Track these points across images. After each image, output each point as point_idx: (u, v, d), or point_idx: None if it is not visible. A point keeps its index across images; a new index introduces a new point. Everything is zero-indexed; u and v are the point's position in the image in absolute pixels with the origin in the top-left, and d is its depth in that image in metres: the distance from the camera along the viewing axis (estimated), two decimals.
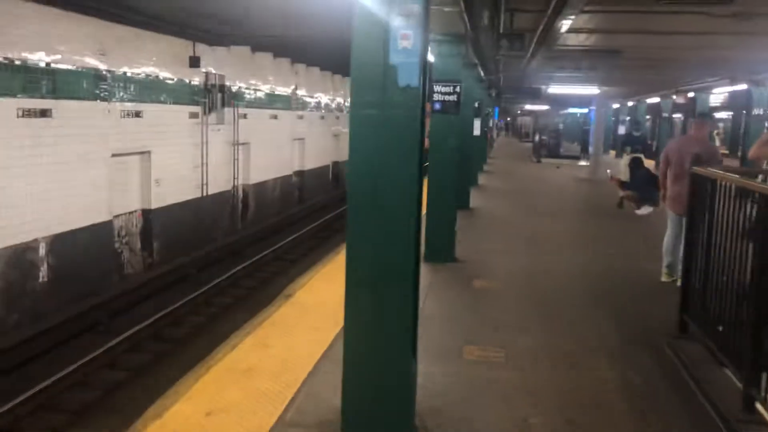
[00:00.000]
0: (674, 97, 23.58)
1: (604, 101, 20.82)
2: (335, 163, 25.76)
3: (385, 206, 3.62)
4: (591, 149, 20.57)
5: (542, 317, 6.37)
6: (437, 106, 8.55)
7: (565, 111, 42.65)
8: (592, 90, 22.64)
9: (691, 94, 22.56)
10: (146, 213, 12.59)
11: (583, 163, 27.13)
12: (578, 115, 43.17)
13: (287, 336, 5.59)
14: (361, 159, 3.65)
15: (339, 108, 25.83)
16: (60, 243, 10.04)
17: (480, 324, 6.07)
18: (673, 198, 7.62)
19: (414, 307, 3.75)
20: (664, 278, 7.78)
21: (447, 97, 8.56)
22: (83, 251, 10.52)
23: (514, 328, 5.93)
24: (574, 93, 25.74)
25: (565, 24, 8.25)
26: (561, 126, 40.68)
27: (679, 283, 7.51)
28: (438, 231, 8.70)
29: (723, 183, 4.71)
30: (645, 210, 13.00)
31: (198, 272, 12.91)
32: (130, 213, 12.24)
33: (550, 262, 8.83)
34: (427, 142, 4.75)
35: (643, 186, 12.85)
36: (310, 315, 6.32)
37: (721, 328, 4.59)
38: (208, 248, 14.34)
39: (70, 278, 10.25)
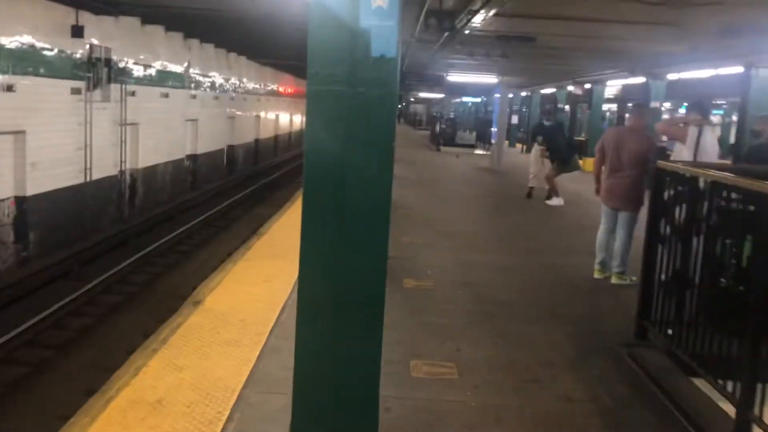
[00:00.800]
0: (570, 87, 23.96)
1: (506, 90, 20.75)
2: (230, 147, 24.47)
3: (353, 208, 2.90)
4: (494, 139, 20.47)
5: (485, 323, 5.83)
6: None
7: (458, 100, 43.04)
8: (491, 79, 22.67)
9: (587, 86, 23.01)
10: (20, 201, 11.10)
11: (479, 152, 27.27)
12: (470, 104, 43.72)
13: (202, 355, 4.75)
14: (320, 148, 2.93)
15: (234, 89, 24.50)
16: None
17: (422, 332, 5.46)
18: (608, 191, 7.32)
19: (381, 330, 3.07)
20: (596, 275, 7.49)
21: None
22: None
23: (460, 337, 5.35)
24: (473, 81, 25.78)
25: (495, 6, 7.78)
26: (453, 115, 41.07)
27: (613, 281, 7.28)
28: None
29: (703, 179, 4.31)
30: (556, 201, 12.88)
31: (80, 267, 11.58)
32: (1, 201, 10.73)
33: (476, 259, 8.36)
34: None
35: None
36: (226, 326, 5.49)
37: (698, 336, 4.20)
38: (93, 240, 12.95)
39: None
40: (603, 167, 7.44)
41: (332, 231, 2.91)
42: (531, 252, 8.91)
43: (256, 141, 29.13)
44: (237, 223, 17.09)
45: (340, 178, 2.87)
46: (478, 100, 38.46)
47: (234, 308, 5.99)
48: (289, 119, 36.62)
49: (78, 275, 11.20)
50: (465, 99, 39.85)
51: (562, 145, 12.94)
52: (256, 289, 6.66)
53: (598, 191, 7.61)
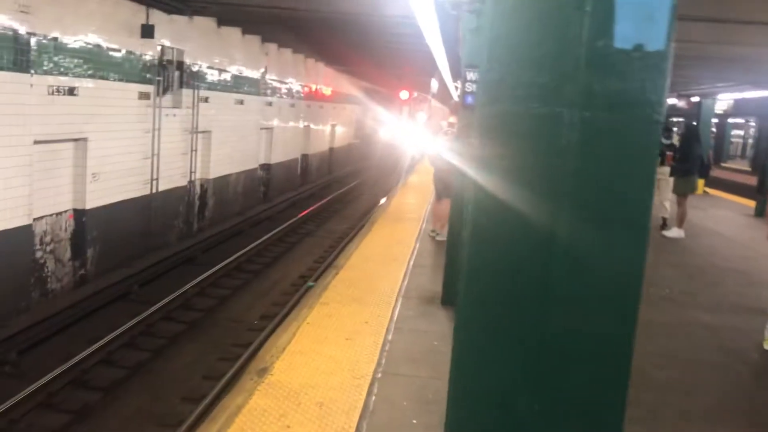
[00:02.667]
0: (674, 100, 21.86)
1: None
2: (305, 156, 23.44)
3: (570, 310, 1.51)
4: None
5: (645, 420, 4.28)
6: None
7: None
8: None
9: (695, 99, 20.95)
10: (79, 214, 10.15)
11: None
12: None
13: None
14: (504, 205, 1.52)
15: (310, 96, 23.46)
16: None
17: None
18: None
19: None
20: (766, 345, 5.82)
21: None
22: None
23: None
24: None
25: None
26: None
27: None
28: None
29: None
30: (676, 233, 11.05)
31: (141, 287, 10.55)
32: (58, 214, 9.79)
33: None
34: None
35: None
36: (297, 413, 4.18)
37: None
38: (157, 256, 11.94)
39: None
40: None
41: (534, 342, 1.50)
42: (668, 303, 7.26)
43: (331, 150, 28.09)
44: (311, 237, 15.89)
45: (543, 257, 1.46)
46: None
47: (308, 384, 4.63)
48: (364, 127, 35.49)
49: (138, 297, 10.16)
50: None
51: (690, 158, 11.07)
52: (335, 352, 5.29)
53: None
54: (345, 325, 5.93)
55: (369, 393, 4.64)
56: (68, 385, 7.40)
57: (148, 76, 11.59)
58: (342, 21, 12.18)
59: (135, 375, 7.93)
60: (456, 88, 34.33)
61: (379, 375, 4.96)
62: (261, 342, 7.89)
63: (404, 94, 32.39)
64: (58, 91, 9.17)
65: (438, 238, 9.61)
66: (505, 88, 1.49)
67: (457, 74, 26.21)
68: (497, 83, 1.51)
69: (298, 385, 4.64)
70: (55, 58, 9.07)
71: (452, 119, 9.52)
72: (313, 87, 23.85)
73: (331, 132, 27.78)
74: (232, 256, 12.55)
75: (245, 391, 4.56)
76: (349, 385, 4.72)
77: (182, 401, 7.22)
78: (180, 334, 9.19)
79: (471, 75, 6.32)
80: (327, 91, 26.15)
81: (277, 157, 19.91)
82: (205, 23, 13.78)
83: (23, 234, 8.76)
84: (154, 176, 12.01)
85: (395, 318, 6.27)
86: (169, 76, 12.23)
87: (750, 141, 27.74)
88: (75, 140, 9.90)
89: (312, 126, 23.93)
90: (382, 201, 16.29)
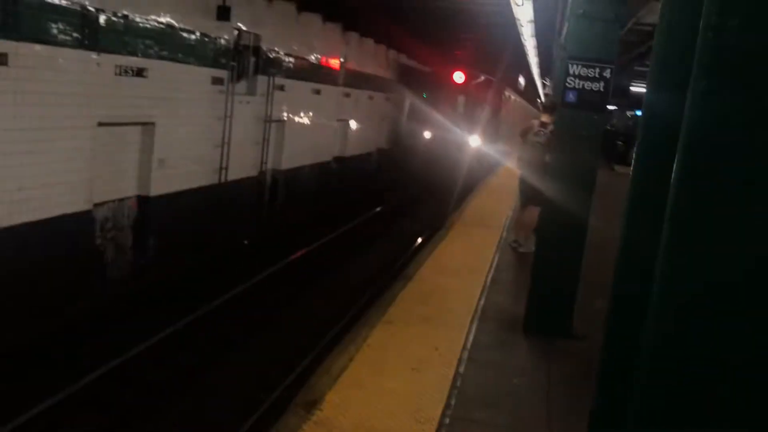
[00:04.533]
0: None
1: None
2: (380, 150, 22.76)
3: None
4: None
5: None
6: (570, 96, 5.54)
7: (632, 113, 39.08)
8: None
9: None
10: (143, 201, 9.76)
11: None
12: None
13: None
14: None
15: (389, 88, 22.72)
16: (14, 239, 7.27)
17: None
18: None
19: None
20: None
21: (587, 85, 5.54)
22: (42, 249, 7.72)
23: None
24: None
25: None
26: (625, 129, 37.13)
27: None
28: (552, 280, 5.76)
29: None
30: None
31: (197, 283, 9.99)
32: (120, 200, 9.42)
33: None
34: None
35: None
36: None
37: None
38: (219, 249, 11.48)
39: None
40: None
41: None
42: None
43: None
44: (379, 239, 15.05)
45: None
46: None
47: (362, 426, 3.89)
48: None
49: (193, 293, 9.65)
50: (639, 112, 35.71)
51: None
52: (397, 386, 4.53)
53: None
54: (410, 351, 5.17)
55: None
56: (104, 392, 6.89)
57: (222, 60, 11.11)
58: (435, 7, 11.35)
59: (177, 384, 7.27)
60: (544, 84, 32.22)
61: (447, 420, 4.17)
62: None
63: (459, 77, 23.38)
64: (125, 71, 8.74)
65: (521, 249, 8.72)
66: None
67: (546, 67, 24.77)
68: None
69: (351, 427, 3.91)
70: (124, 38, 8.65)
71: (544, 118, 8.59)
72: (393, 79, 23.12)
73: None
74: (293, 255, 11.94)
75: (289, 429, 3.86)
76: (412, 431, 3.96)
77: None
78: (229, 343, 8.48)
79: (575, 68, 5.43)
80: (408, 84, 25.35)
81: (352, 149, 19.29)
82: (284, 8, 13.24)
83: (83, 219, 8.40)
84: (224, 165, 11.55)
85: (469, 345, 5.46)
86: (244, 61, 11.72)
87: None
88: (143, 124, 9.49)
89: (390, 118, 23.24)
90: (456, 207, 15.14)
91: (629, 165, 26.15)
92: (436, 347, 5.29)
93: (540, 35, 14.61)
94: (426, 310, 6.16)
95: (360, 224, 15.57)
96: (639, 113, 38.55)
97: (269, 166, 13.76)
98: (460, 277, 7.47)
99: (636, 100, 28.02)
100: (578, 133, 5.54)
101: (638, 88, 21.27)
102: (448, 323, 5.91)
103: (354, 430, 3.86)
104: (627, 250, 2.51)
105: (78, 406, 6.33)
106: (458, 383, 4.71)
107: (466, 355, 5.23)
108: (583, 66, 5.42)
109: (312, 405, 4.12)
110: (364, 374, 4.65)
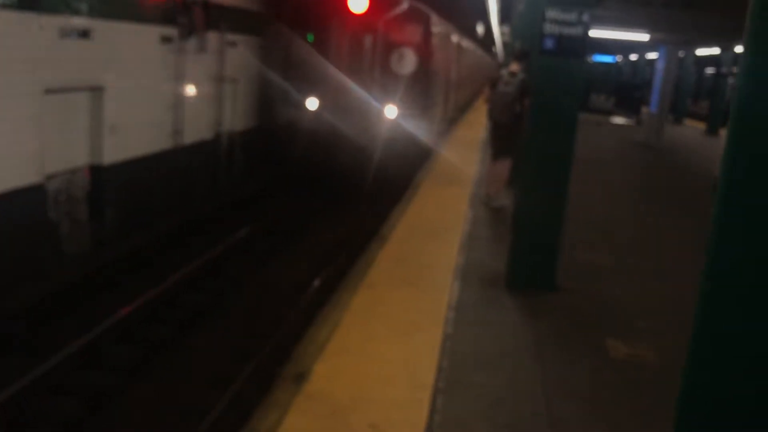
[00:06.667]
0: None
1: (675, 48, 17.21)
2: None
3: None
4: (653, 108, 17.22)
5: None
6: (549, 43, 5.33)
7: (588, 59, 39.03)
8: (641, 36, 19.18)
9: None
10: (96, 171, 9.27)
11: (619, 120, 23.93)
12: (605, 64, 39.48)
13: None
14: None
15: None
16: None
17: None
18: None
19: None
20: None
21: (566, 31, 5.33)
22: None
23: None
24: (616, 38, 22.34)
25: None
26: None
27: None
28: (535, 233, 5.63)
29: None
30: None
31: (160, 255, 9.65)
32: (73, 172, 8.92)
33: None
34: None
35: None
36: None
37: None
38: (179, 219, 11.05)
39: None
40: None
41: None
42: None
43: None
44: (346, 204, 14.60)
45: None
46: (611, 59, 34.36)
47: (357, 397, 3.72)
48: None
49: (159, 265, 9.29)
50: (598, 59, 35.72)
51: None
52: (388, 352, 4.36)
53: None
54: (397, 315, 5.00)
55: (432, 410, 3.72)
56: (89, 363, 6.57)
57: (170, 17, 10.53)
58: None
59: (153, 357, 7.00)
60: (502, 34, 29.94)
61: (443, 384, 4.02)
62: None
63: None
64: (69, 33, 8.18)
65: (493, 204, 8.58)
66: None
67: (506, 14, 23.07)
68: None
69: (346, 398, 3.73)
70: None
71: (514, 67, 8.37)
72: None
73: None
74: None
75: (279, 405, 3.66)
76: (408, 399, 3.80)
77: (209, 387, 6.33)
78: (202, 312, 8.22)
79: (553, 13, 5.20)
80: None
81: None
82: None
83: (34, 194, 7.92)
84: (178, 128, 11.06)
85: (454, 305, 5.31)
86: (193, 17, 11.14)
87: None
88: (91, 89, 8.95)
89: None
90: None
91: (589, 111, 25.80)
92: (420, 309, 5.12)
93: None
94: (407, 272, 5.98)
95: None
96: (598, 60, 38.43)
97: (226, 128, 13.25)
98: (436, 235, 7.31)
99: (592, 46, 27.89)
100: (558, 81, 5.35)
101: (596, 33, 21.01)
102: (430, 284, 5.75)
103: (350, 401, 3.67)
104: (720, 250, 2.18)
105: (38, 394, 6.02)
106: (448, 345, 4.56)
107: (452, 315, 5.08)
108: (562, 10, 5.20)
109: (301, 378, 3.92)
110: (351, 341, 4.46)
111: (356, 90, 12.67)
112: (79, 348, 6.53)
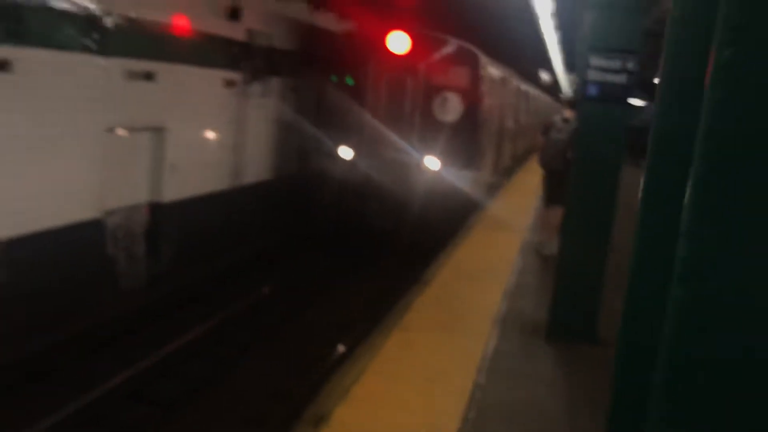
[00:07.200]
0: None
1: None
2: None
3: None
4: None
5: None
6: (592, 90, 5.23)
7: None
8: None
9: None
10: (155, 208, 9.58)
11: None
12: None
13: None
14: None
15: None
16: (22, 248, 7.11)
17: None
18: None
19: None
20: None
21: (609, 78, 5.24)
22: (58, 258, 7.56)
23: None
24: None
25: None
26: None
27: None
28: (577, 282, 5.46)
29: None
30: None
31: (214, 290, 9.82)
32: (133, 208, 9.24)
33: None
34: None
35: None
36: None
37: None
38: (236, 254, 11.27)
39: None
40: None
41: None
42: None
43: None
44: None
45: None
46: None
47: None
48: None
49: (209, 300, 9.45)
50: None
51: None
52: (411, 398, 4.26)
53: None
54: (427, 360, 4.89)
55: None
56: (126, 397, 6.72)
57: (234, 62, 10.92)
58: None
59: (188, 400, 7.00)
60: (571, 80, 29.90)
61: None
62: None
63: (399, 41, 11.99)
64: (134, 76, 8.57)
65: (545, 251, 8.39)
66: None
67: (571, 63, 22.71)
68: None
69: None
70: (131, 40, 8.47)
71: (567, 114, 8.26)
72: None
73: None
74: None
75: None
76: None
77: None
78: (246, 349, 8.24)
79: (596, 60, 5.12)
80: None
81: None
82: (298, 7, 13.02)
83: (92, 228, 8.23)
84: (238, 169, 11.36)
85: (489, 354, 5.16)
86: (256, 62, 11.52)
87: None
88: (153, 129, 9.31)
89: None
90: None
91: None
92: (452, 357, 5.00)
93: (564, 27, 14.21)
94: (445, 317, 5.87)
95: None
96: None
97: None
98: (481, 281, 7.17)
99: None
100: (601, 128, 5.23)
101: None
102: (467, 330, 5.62)
103: None
104: (643, 248, 2.39)
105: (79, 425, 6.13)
106: (477, 395, 4.42)
107: (486, 364, 4.94)
108: (605, 58, 5.12)
109: (320, 421, 3.86)
110: (376, 385, 4.38)
111: (395, 139, 11.67)
112: (121, 381, 6.69)
